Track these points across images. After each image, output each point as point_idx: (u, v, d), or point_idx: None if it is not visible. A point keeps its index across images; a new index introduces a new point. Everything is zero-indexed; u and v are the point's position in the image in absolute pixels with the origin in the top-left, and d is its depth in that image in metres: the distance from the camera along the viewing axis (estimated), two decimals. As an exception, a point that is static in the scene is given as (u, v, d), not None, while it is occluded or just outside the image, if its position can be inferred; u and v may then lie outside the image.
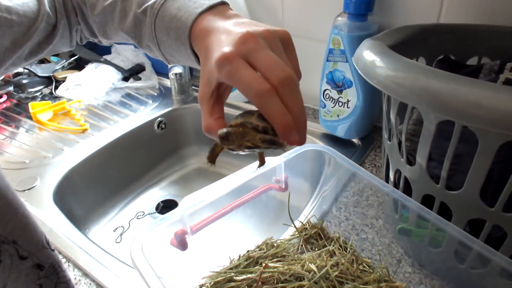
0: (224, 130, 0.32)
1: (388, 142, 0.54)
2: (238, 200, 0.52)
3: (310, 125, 0.90)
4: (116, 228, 0.86)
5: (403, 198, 0.46)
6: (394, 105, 0.48)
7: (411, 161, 0.51)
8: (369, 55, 0.47)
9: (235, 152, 0.35)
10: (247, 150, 0.34)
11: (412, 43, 0.58)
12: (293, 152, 0.52)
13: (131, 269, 0.56)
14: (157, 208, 0.93)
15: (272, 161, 0.51)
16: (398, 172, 0.55)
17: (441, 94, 0.36)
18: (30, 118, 0.96)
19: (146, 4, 0.42)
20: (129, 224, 0.88)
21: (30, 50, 0.47)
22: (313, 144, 0.53)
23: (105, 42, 0.53)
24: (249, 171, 0.49)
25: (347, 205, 0.67)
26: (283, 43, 0.34)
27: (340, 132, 0.84)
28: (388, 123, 0.54)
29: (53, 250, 0.36)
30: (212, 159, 0.35)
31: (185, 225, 0.44)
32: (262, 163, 0.43)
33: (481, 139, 0.38)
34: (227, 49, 0.31)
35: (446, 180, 0.46)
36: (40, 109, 0.96)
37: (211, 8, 0.38)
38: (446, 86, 0.35)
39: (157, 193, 0.98)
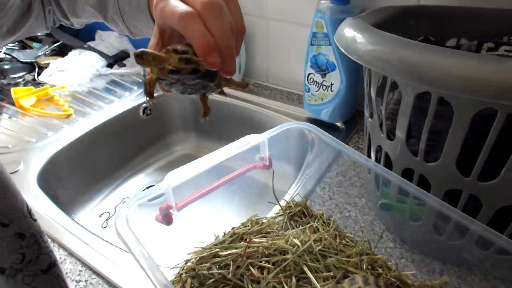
0: (141, 49, 0.32)
1: (370, 119, 0.55)
2: (223, 178, 0.52)
3: (295, 110, 0.91)
4: (102, 214, 0.86)
5: (384, 172, 0.47)
6: (374, 80, 0.49)
7: (391, 138, 0.53)
8: (349, 31, 0.48)
9: (165, 85, 0.35)
10: (173, 76, 0.33)
11: (392, 24, 0.59)
12: (276, 129, 0.53)
13: (116, 248, 0.56)
14: (143, 194, 0.93)
15: (255, 138, 0.52)
16: (379, 151, 0.56)
17: (416, 64, 0.37)
18: (12, 104, 0.95)
19: None
20: (115, 210, 0.87)
21: (7, 29, 0.48)
22: (295, 122, 0.54)
23: (76, 23, 0.54)
24: (232, 148, 0.49)
25: (331, 185, 0.68)
26: None
27: (324, 116, 0.85)
28: (369, 102, 0.55)
29: (35, 220, 0.36)
30: (148, 93, 0.34)
31: (170, 199, 0.45)
32: (205, 110, 0.42)
33: (456, 108, 0.39)
34: None
35: (425, 156, 0.47)
36: (22, 94, 0.95)
37: None
38: (420, 56, 0.37)
39: (143, 180, 0.98)
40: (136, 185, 0.96)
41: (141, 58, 0.32)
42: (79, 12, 0.50)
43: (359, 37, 0.46)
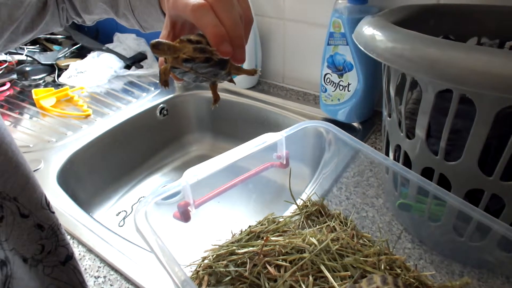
0: (157, 39, 0.33)
1: (388, 118, 0.55)
2: (240, 176, 0.52)
3: (311, 110, 0.91)
4: (119, 213, 0.87)
5: (403, 170, 0.46)
6: (393, 78, 0.48)
7: (410, 138, 0.52)
8: (368, 29, 0.47)
9: (179, 73, 0.36)
10: (187, 65, 0.34)
11: (411, 23, 0.58)
12: (293, 128, 0.52)
13: (133, 245, 0.57)
14: (159, 193, 0.94)
15: (272, 136, 0.52)
16: (397, 150, 0.56)
17: (437, 61, 0.37)
18: (33, 105, 0.97)
19: None
20: (132, 209, 0.88)
21: (25, 26, 0.49)
22: (312, 121, 0.54)
23: (87, 20, 0.56)
24: (250, 146, 0.49)
25: (348, 185, 0.67)
26: None
27: (341, 116, 0.84)
28: (388, 101, 0.54)
29: (53, 213, 0.37)
30: (163, 82, 0.36)
31: (188, 196, 0.45)
32: (215, 97, 0.43)
33: (478, 105, 0.38)
34: None
35: (446, 156, 0.46)
36: (43, 95, 0.97)
37: None
38: (442, 53, 0.36)
39: (159, 179, 0.99)
40: (152, 184, 0.97)
41: (157, 48, 0.33)
42: (91, 8, 0.52)
43: (378, 35, 0.45)
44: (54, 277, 0.37)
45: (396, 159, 0.57)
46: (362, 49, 0.49)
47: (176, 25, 0.39)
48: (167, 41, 0.33)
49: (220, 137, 1.07)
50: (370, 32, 0.47)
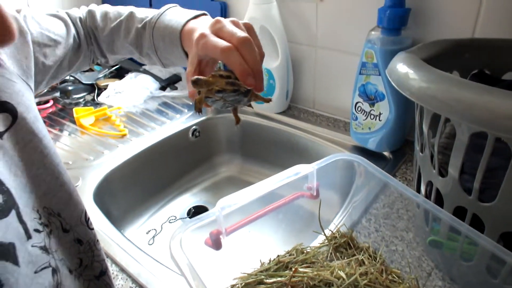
0: (195, 76, 0.40)
1: (420, 154, 0.54)
2: (270, 205, 0.53)
3: (341, 137, 0.91)
4: (149, 231, 0.89)
5: (434, 209, 0.46)
6: (427, 116, 0.49)
7: (443, 174, 0.52)
8: (402, 67, 0.48)
9: (210, 102, 0.43)
10: (219, 95, 0.40)
11: (446, 57, 0.59)
12: (325, 160, 0.53)
13: (164, 267, 0.58)
14: (188, 213, 0.96)
15: (304, 168, 0.53)
16: (429, 185, 0.55)
17: (473, 106, 0.37)
18: (73, 122, 1.02)
19: (145, 20, 0.54)
20: (161, 228, 0.91)
21: (65, 65, 0.56)
22: (344, 154, 0.54)
23: (111, 60, 0.62)
24: (281, 177, 0.50)
25: (377, 216, 0.67)
26: (246, 29, 0.43)
27: (371, 144, 0.84)
28: (421, 135, 0.54)
29: (91, 229, 0.39)
30: (198, 108, 0.44)
31: (220, 225, 0.46)
32: (237, 119, 0.50)
33: (515, 150, 0.38)
34: (202, 29, 0.42)
35: (480, 194, 0.46)
36: (83, 114, 1.02)
37: (195, 17, 0.50)
38: (479, 98, 0.36)
39: (188, 199, 1.01)
40: (182, 204, 0.99)
41: (196, 83, 0.39)
42: (117, 49, 0.58)
43: (412, 74, 0.46)
44: None
45: (428, 194, 0.56)
46: (395, 86, 0.49)
47: (201, 62, 0.45)
48: (203, 77, 0.40)
49: (249, 160, 1.09)
50: (404, 70, 0.47)
